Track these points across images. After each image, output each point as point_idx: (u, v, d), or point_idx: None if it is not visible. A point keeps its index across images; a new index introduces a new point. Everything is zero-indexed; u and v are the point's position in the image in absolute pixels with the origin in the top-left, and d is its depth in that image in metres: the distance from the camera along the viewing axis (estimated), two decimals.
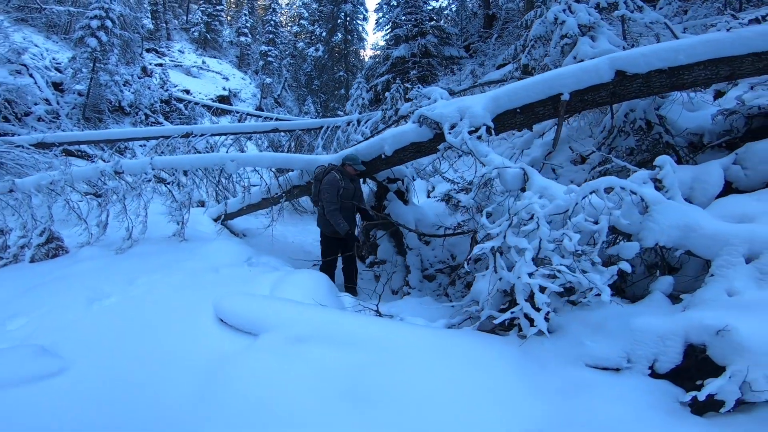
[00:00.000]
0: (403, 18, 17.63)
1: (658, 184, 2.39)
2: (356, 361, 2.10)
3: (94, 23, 12.34)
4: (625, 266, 2.18)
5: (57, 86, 12.41)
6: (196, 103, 17.30)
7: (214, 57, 25.82)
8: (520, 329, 2.25)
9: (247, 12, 29.04)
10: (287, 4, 35.90)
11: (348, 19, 24.18)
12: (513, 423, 1.83)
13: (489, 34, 17.16)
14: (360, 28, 25.25)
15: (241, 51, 27.96)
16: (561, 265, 2.07)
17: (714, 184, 2.81)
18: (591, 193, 2.27)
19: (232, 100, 21.84)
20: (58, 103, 11.77)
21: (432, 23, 18.22)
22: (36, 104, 10.99)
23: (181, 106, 16.37)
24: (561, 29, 4.49)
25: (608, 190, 2.28)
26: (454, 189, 3.31)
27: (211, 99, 19.72)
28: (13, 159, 6.47)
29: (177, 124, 14.37)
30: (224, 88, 22.10)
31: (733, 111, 3.35)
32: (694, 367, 1.86)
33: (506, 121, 3.59)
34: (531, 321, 2.14)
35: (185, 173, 4.58)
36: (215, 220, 5.05)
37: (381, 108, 9.03)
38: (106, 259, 3.88)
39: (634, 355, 1.98)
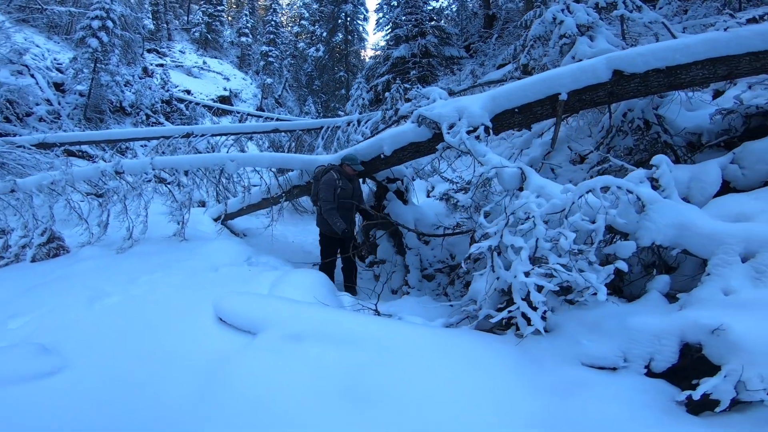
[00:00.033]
0: (404, 18, 17.64)
1: (655, 183, 2.40)
2: (355, 359, 2.10)
3: (95, 24, 12.37)
4: (622, 265, 2.19)
5: (58, 87, 12.45)
6: (197, 104, 17.33)
7: (215, 57, 25.86)
8: (518, 328, 2.26)
9: (247, 12, 29.09)
10: (288, 5, 35.94)
11: (348, 19, 24.20)
12: (510, 421, 1.83)
13: (489, 34, 17.15)
14: (360, 28, 25.28)
15: (241, 51, 28.00)
16: (557, 264, 2.07)
17: (711, 183, 2.82)
18: (587, 192, 2.28)
19: (233, 100, 21.87)
20: (59, 104, 11.80)
21: (432, 23, 18.23)
22: (37, 104, 11.02)
23: (182, 106, 16.39)
24: (559, 29, 4.50)
25: (605, 189, 2.29)
26: (453, 189, 3.32)
27: (212, 99, 19.74)
28: (15, 159, 6.50)
29: (178, 125, 14.40)
30: (225, 89, 22.14)
31: (731, 110, 3.35)
32: (690, 367, 1.86)
33: (504, 120, 3.60)
34: (528, 320, 2.15)
35: (186, 173, 4.60)
36: (215, 220, 5.08)
37: (381, 108, 9.04)
38: (106, 259, 3.90)
39: (630, 354, 1.98)
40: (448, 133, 3.42)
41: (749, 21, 3.79)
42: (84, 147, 10.01)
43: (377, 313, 2.93)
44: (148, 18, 21.58)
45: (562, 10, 4.56)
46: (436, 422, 1.81)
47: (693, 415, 1.76)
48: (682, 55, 3.02)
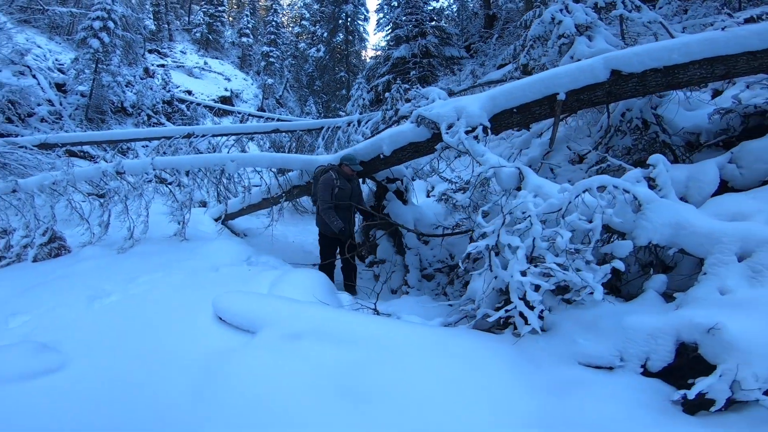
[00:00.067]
0: (404, 18, 17.64)
1: (652, 183, 2.40)
2: (353, 358, 2.11)
3: (97, 24, 12.41)
4: (619, 264, 2.19)
5: (60, 87, 12.49)
6: (198, 104, 17.36)
7: (216, 58, 25.93)
8: (515, 327, 2.27)
9: (248, 13, 29.14)
10: (289, 5, 35.95)
11: (349, 19, 24.21)
12: (507, 420, 1.84)
13: (489, 34, 17.15)
14: (361, 28, 25.27)
15: (242, 52, 28.05)
16: (554, 263, 2.08)
17: (709, 182, 2.82)
18: (584, 191, 2.29)
19: (234, 100, 21.92)
20: (61, 104, 11.84)
21: (433, 24, 18.23)
22: (39, 105, 11.07)
23: (183, 106, 16.43)
24: (558, 29, 4.51)
25: (601, 188, 2.30)
26: (452, 188, 3.33)
27: (213, 100, 19.78)
28: (17, 160, 6.53)
29: (179, 125, 14.44)
30: (226, 89, 22.19)
31: (729, 110, 3.36)
32: (686, 366, 1.86)
33: (503, 120, 3.61)
34: (525, 319, 2.16)
35: (186, 173, 4.63)
36: (216, 220, 5.10)
37: (381, 108, 9.06)
38: (107, 259, 3.93)
39: (626, 353, 1.99)
40: (447, 133, 3.43)
41: (747, 20, 3.79)
42: (85, 147, 10.04)
43: (376, 312, 2.94)
44: (149, 18, 21.63)
45: (561, 10, 4.57)
46: (433, 421, 1.82)
47: (689, 415, 1.76)
48: (680, 55, 3.02)
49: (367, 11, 24.79)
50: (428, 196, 6.34)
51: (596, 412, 1.81)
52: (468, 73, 15.20)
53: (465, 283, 4.00)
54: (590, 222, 2.27)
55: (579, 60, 3.87)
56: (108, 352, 2.38)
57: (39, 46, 13.67)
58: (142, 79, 15.34)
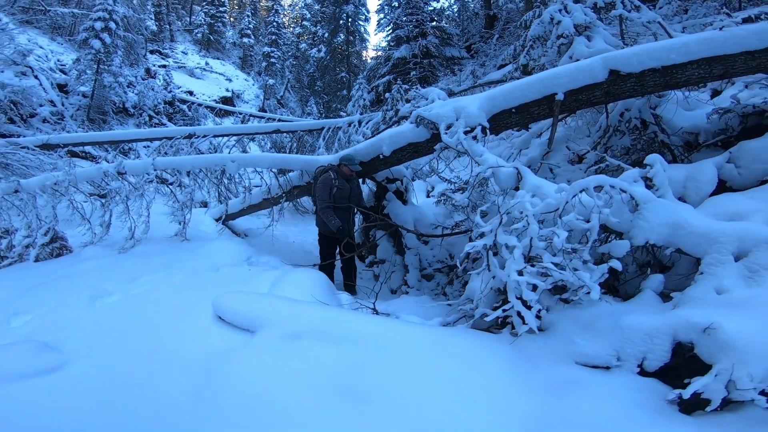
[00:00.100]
0: (405, 19, 17.65)
1: (649, 183, 2.41)
2: (352, 357, 2.12)
3: (98, 25, 12.45)
4: (616, 264, 2.20)
5: (62, 88, 12.54)
6: (200, 105, 17.40)
7: (217, 58, 25.96)
8: (513, 327, 2.28)
9: (249, 13, 29.16)
10: (290, 6, 36.01)
11: (350, 20, 24.24)
12: (505, 420, 1.85)
13: (490, 34, 17.15)
14: (362, 29, 25.31)
15: (244, 52, 28.09)
16: (550, 263, 2.09)
17: (707, 182, 2.83)
18: (581, 191, 2.29)
19: (236, 101, 21.95)
20: (62, 105, 11.89)
21: (433, 24, 18.24)
22: (41, 106, 11.12)
23: (184, 107, 16.47)
24: (557, 29, 4.52)
25: (598, 188, 2.31)
26: (451, 189, 3.35)
27: (215, 100, 19.81)
28: (19, 160, 6.56)
29: (180, 126, 14.48)
30: (227, 90, 22.22)
31: (728, 110, 3.36)
32: (682, 366, 1.87)
33: (502, 120, 3.62)
34: (523, 319, 2.17)
35: (187, 174, 4.65)
36: (217, 220, 5.11)
37: (382, 109, 9.07)
38: (108, 259, 3.95)
39: (623, 353, 1.99)
40: (446, 133, 3.44)
41: (745, 20, 3.79)
42: (87, 148, 10.08)
43: (375, 312, 2.95)
44: (151, 19, 21.69)
45: (560, 11, 4.58)
46: (432, 420, 1.83)
47: (685, 415, 1.76)
48: (678, 55, 3.03)
49: (368, 12, 24.85)
50: (428, 196, 6.35)
51: (593, 412, 1.81)
52: (468, 73, 15.20)
53: (464, 283, 4.01)
54: (588, 222, 2.28)
55: (578, 60, 3.88)
56: (109, 352, 2.39)
57: (41, 47, 13.71)
58: (143, 79, 15.39)
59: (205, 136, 8.24)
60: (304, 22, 29.07)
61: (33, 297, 3.23)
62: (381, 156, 4.23)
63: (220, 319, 2.60)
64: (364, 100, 16.57)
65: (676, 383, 1.84)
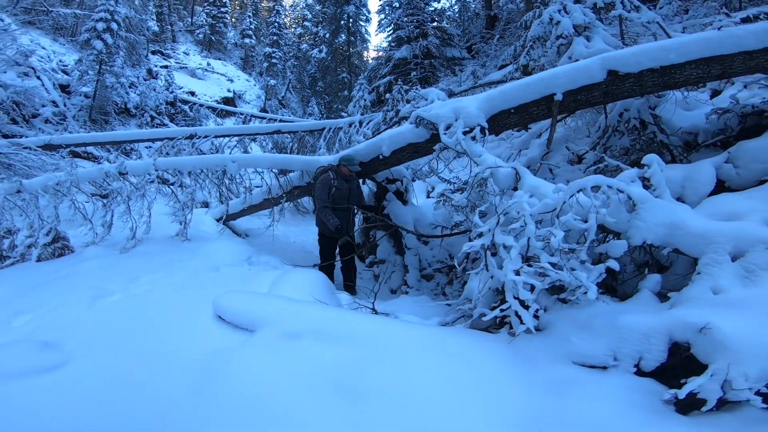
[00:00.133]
0: (405, 19, 17.67)
1: (647, 183, 2.42)
2: (351, 356, 2.13)
3: (100, 26, 12.49)
4: (614, 264, 2.21)
5: (64, 88, 12.58)
6: (201, 105, 17.44)
7: (219, 59, 26.01)
8: (511, 327, 2.29)
9: (251, 14, 29.23)
10: (291, 6, 36.08)
11: (351, 20, 24.27)
12: (502, 419, 1.86)
13: (491, 34, 17.15)
14: (363, 29, 25.35)
15: (245, 53, 28.14)
16: (547, 263, 2.10)
17: (705, 182, 2.83)
18: (578, 191, 2.30)
19: (237, 101, 21.99)
20: (65, 105, 11.93)
21: (434, 24, 18.25)
22: (43, 106, 11.16)
23: (186, 107, 16.51)
24: (556, 30, 4.53)
25: (595, 188, 2.31)
26: (450, 189, 3.36)
27: (216, 101, 19.85)
28: (21, 160, 6.59)
29: (182, 126, 14.52)
30: (229, 90, 22.27)
31: (727, 110, 3.36)
32: (679, 365, 1.87)
33: (501, 121, 3.63)
34: (521, 318, 2.18)
35: (189, 174, 4.67)
36: (218, 220, 5.14)
37: (383, 109, 9.09)
38: (110, 258, 3.97)
39: (620, 353, 2.00)
40: (445, 133, 3.45)
41: (743, 20, 3.79)
42: (89, 148, 10.11)
43: (375, 311, 2.96)
44: (153, 20, 21.70)
45: (559, 11, 4.58)
46: (430, 419, 1.84)
47: (682, 415, 1.77)
48: (676, 55, 3.03)
49: (369, 12, 24.88)
50: (428, 196, 6.36)
51: (590, 412, 1.82)
52: (469, 73, 15.20)
53: (464, 283, 4.00)
54: (585, 222, 2.29)
55: (577, 60, 3.88)
56: (109, 351, 2.41)
57: (43, 48, 13.76)
58: (145, 80, 15.43)
59: (206, 137, 8.27)
60: (306, 23, 29.15)
61: (34, 296, 3.25)
62: (381, 156, 4.24)
63: (220, 318, 2.62)
64: (365, 100, 16.59)
65: (672, 383, 1.84)
